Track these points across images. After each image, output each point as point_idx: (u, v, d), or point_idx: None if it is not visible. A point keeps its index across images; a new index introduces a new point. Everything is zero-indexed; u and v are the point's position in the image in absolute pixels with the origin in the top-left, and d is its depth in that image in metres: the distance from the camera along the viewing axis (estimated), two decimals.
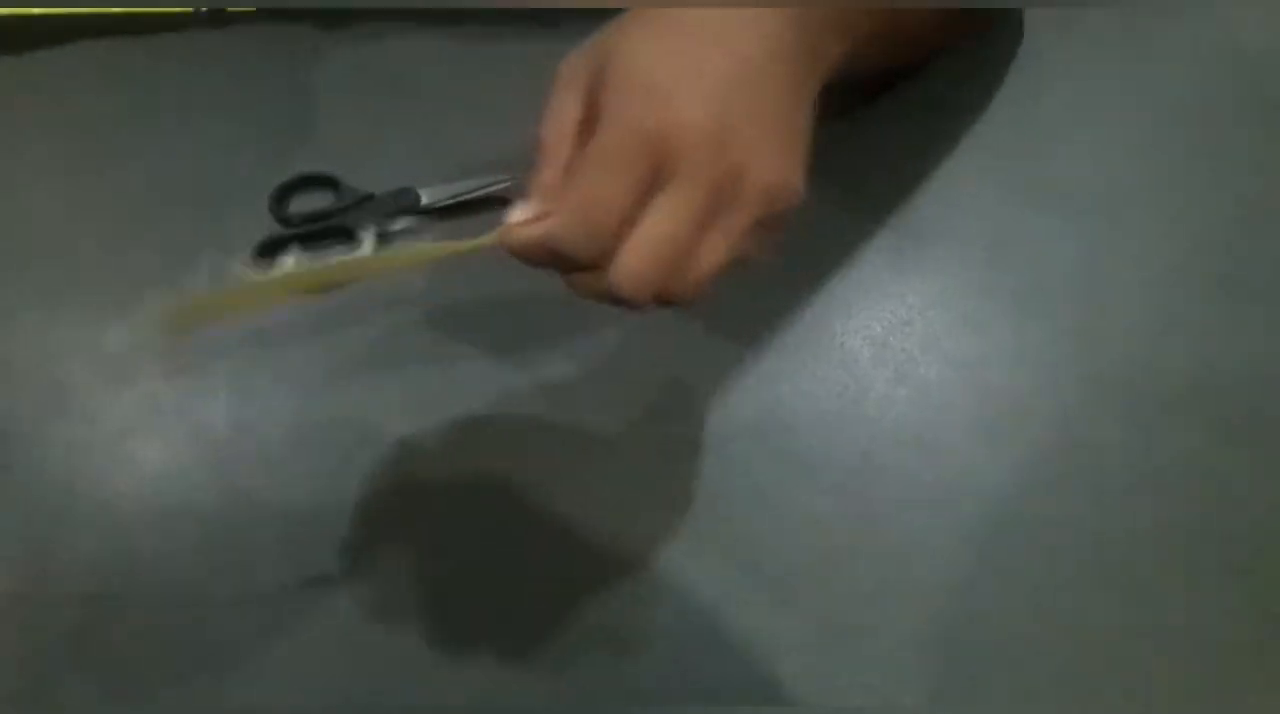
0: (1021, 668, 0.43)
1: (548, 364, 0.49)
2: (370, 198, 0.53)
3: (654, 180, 0.36)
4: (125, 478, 0.47)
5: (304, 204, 0.53)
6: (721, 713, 0.42)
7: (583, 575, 0.45)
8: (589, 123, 0.38)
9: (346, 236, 0.52)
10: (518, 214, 0.38)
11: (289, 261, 0.40)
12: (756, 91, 0.38)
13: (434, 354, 0.50)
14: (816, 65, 0.41)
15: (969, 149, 0.55)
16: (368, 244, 0.45)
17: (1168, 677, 0.42)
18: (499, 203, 0.52)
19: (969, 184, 0.54)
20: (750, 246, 0.37)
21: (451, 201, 0.53)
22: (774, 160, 0.37)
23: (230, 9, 0.60)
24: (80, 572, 0.45)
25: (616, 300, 0.36)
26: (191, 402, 0.49)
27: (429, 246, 0.43)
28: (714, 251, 0.36)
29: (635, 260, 0.35)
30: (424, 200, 0.53)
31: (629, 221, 0.36)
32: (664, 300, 0.37)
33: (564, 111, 0.39)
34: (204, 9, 0.60)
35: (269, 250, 0.51)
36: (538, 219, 0.37)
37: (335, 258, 0.41)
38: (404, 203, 0.53)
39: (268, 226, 0.52)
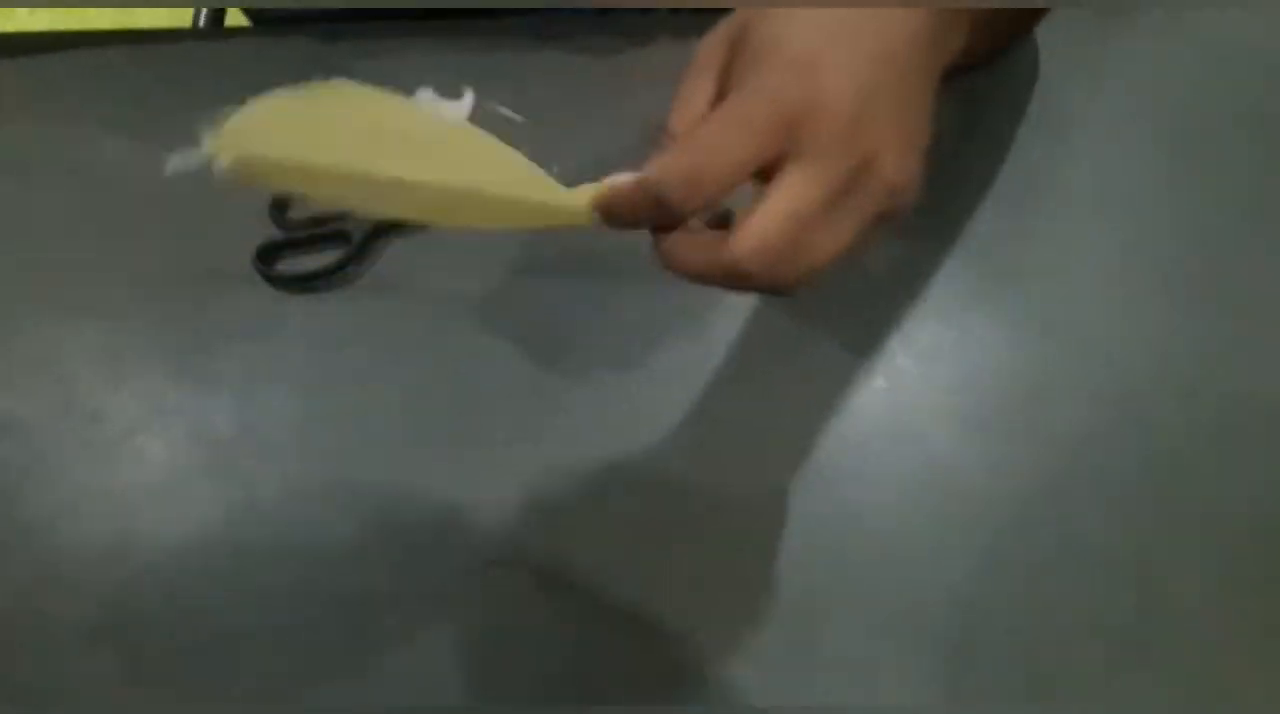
0: (1021, 668, 0.43)
1: (553, 360, 0.50)
2: None
3: (778, 153, 0.33)
4: (130, 476, 0.48)
5: (303, 208, 0.54)
6: (721, 713, 0.42)
7: (580, 568, 0.45)
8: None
9: (345, 241, 0.53)
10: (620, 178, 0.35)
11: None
12: (898, 79, 0.36)
13: (439, 355, 0.50)
14: (942, 58, 0.39)
15: (968, 149, 0.55)
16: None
17: (1168, 677, 0.42)
18: None
19: (964, 183, 0.54)
20: (867, 241, 0.35)
21: None
22: (901, 158, 0.35)
23: (231, 24, 0.60)
24: (87, 569, 0.45)
25: (725, 274, 0.34)
26: (196, 401, 0.49)
27: (514, 194, 0.36)
28: (836, 239, 0.34)
29: (761, 230, 0.33)
30: None
31: (740, 182, 0.33)
32: (775, 283, 0.34)
33: (697, 94, 0.37)
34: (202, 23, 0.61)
35: (268, 255, 0.52)
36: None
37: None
38: None
39: (267, 231, 0.53)
